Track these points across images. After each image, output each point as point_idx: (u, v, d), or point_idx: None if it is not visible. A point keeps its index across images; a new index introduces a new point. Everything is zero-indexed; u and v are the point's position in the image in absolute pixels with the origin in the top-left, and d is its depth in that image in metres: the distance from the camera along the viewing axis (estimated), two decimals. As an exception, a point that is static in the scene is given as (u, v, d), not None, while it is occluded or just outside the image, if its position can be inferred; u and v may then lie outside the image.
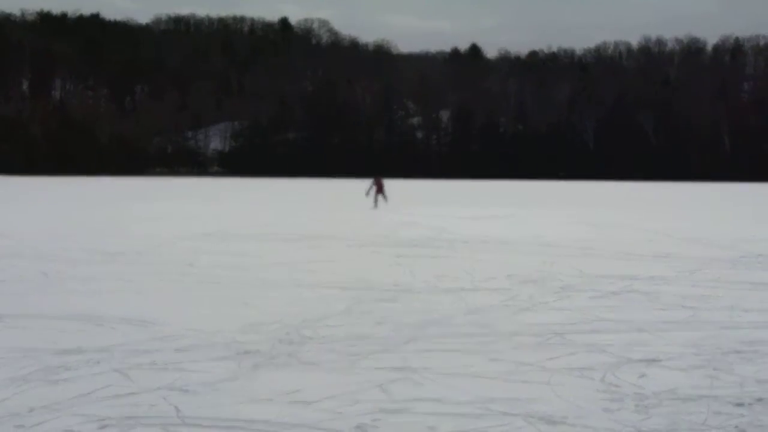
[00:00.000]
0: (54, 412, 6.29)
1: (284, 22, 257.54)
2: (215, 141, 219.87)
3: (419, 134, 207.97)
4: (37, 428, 5.93)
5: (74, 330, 9.66)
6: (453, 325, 10.23)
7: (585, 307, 11.62)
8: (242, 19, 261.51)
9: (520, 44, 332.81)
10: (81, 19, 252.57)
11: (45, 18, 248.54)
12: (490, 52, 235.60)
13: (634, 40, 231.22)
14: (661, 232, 26.78)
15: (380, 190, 43.61)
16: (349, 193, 73.60)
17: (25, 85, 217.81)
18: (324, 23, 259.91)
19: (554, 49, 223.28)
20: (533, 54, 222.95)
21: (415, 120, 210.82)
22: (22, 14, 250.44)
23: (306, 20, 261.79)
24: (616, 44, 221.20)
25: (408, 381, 7.41)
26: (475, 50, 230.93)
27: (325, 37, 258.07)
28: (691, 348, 9.04)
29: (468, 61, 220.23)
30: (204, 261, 17.12)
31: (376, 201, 42.12)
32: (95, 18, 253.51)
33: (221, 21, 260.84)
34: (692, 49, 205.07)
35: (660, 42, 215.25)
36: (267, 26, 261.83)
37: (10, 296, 12.20)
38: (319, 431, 5.99)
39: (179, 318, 10.43)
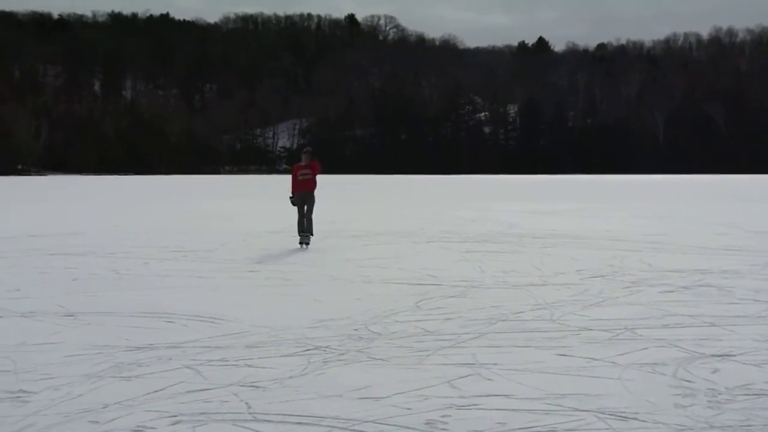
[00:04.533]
0: (127, 408, 6.37)
1: (351, 18, 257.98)
2: (283, 138, 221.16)
3: (486, 129, 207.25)
4: (110, 424, 6.01)
5: (146, 327, 9.78)
6: (522, 320, 10.19)
7: (656, 302, 11.50)
8: (309, 17, 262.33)
9: (585, 37, 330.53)
10: (151, 19, 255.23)
11: (116, 19, 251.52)
12: (557, 45, 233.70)
13: (704, 31, 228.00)
14: (732, 225, 26.43)
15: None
16: (416, 188, 73.60)
17: (97, 86, 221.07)
18: (391, 19, 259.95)
19: (623, 41, 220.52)
20: (601, 46, 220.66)
21: (482, 115, 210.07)
22: (94, 15, 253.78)
23: (372, 16, 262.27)
24: (686, 36, 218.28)
25: (477, 377, 7.39)
26: (542, 43, 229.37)
27: (391, 33, 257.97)
28: (765, 343, 8.91)
29: (535, 54, 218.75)
30: (274, 258, 17.23)
31: None
32: (165, 18, 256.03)
33: (288, 19, 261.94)
34: (764, 40, 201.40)
35: (731, 33, 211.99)
36: (334, 23, 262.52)
37: (83, 294, 12.37)
38: (388, 427, 5.99)
39: (249, 315, 10.51)
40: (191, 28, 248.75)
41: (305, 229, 19.71)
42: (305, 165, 20.21)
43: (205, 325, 9.89)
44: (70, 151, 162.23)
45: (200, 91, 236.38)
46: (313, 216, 20.00)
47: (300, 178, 20.08)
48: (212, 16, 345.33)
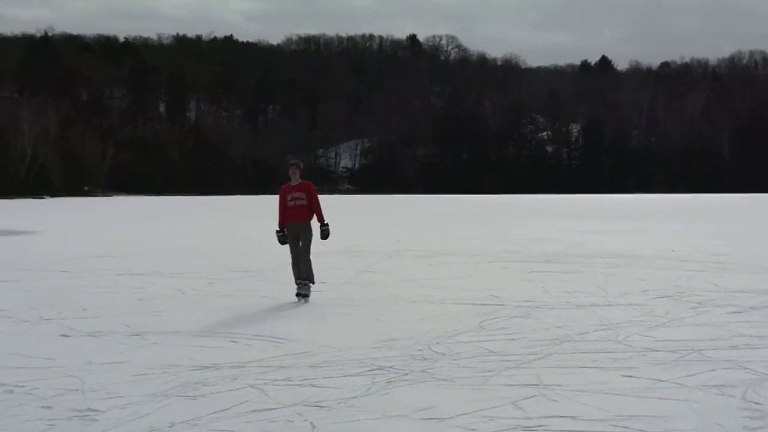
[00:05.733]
0: (193, 427, 6.42)
1: (412, 38, 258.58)
2: (345, 159, 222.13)
3: (549, 148, 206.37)
4: (177, 443, 6.07)
5: (211, 346, 9.85)
6: (587, 341, 10.11)
7: (723, 323, 11.35)
8: (371, 37, 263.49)
9: (648, 55, 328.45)
10: (215, 41, 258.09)
11: (181, 41, 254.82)
12: (621, 63, 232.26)
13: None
14: (801, 245, 26.02)
15: None
16: (478, 208, 73.43)
17: (162, 108, 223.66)
18: (452, 39, 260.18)
19: (687, 59, 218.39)
20: (665, 65, 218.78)
21: (545, 134, 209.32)
22: (159, 38, 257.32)
23: (434, 37, 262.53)
24: (752, 53, 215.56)
25: (542, 398, 7.34)
26: (605, 62, 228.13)
27: (453, 53, 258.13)
28: (836, 365, 8.75)
29: (598, 73, 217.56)
30: (336, 277, 17.28)
31: None
32: (229, 40, 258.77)
33: (350, 39, 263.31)
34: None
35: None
36: (395, 43, 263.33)
37: (149, 314, 12.51)
38: (453, 448, 5.97)
39: (313, 334, 10.55)
40: (254, 50, 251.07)
41: (302, 275, 14.24)
42: (296, 186, 14.64)
43: (269, 344, 9.94)
44: (135, 172, 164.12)
45: (263, 113, 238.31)
46: (312, 256, 14.59)
47: (290, 203, 14.52)
48: (275, 38, 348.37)
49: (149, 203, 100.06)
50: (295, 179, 14.74)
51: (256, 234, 34.29)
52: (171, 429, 6.37)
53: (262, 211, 68.83)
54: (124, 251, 25.15)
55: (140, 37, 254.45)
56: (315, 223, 14.61)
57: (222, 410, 6.88)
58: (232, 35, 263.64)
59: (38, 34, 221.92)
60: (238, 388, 7.67)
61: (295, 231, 14.48)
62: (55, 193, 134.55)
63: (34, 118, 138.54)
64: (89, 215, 60.22)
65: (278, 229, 14.73)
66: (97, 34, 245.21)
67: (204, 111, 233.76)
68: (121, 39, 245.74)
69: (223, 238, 32.58)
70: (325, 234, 14.57)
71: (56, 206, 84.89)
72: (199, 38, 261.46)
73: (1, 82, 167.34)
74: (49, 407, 7.05)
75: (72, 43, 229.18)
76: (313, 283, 14.37)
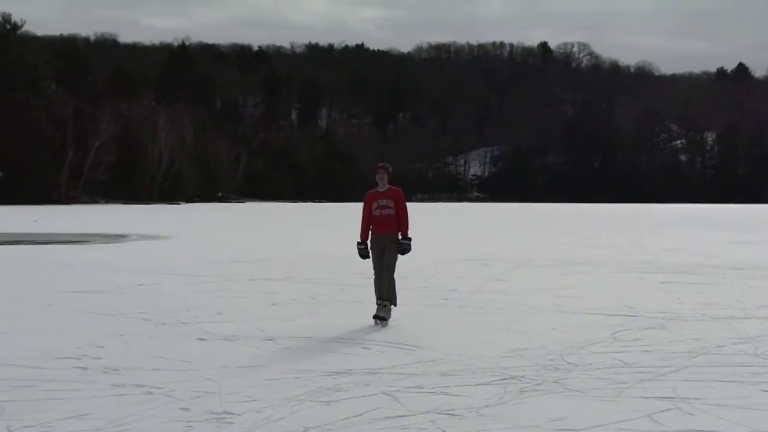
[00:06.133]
0: None
1: (544, 46, 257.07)
2: (474, 166, 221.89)
3: (683, 157, 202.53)
4: (311, 447, 6.14)
5: (343, 352, 9.94)
6: (724, 354, 9.88)
7: None
8: (501, 45, 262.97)
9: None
10: (346, 49, 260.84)
11: (313, 50, 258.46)
12: (758, 70, 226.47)
13: None
14: None
15: None
16: (610, 217, 72.43)
17: (293, 115, 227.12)
18: (584, 46, 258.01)
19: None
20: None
21: (679, 142, 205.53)
22: (292, 47, 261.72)
23: (565, 44, 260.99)
24: None
25: (678, 411, 7.20)
26: (742, 69, 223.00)
27: (584, 61, 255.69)
28: None
29: (734, 80, 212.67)
30: (466, 286, 17.25)
31: None
32: (360, 48, 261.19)
33: (481, 47, 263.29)
34: None
35: None
36: (526, 51, 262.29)
37: (282, 318, 12.69)
38: (587, 460, 5.91)
39: (443, 342, 10.55)
40: (385, 58, 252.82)
41: (383, 296, 12.41)
42: (383, 192, 12.75)
43: (401, 351, 9.98)
44: (267, 178, 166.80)
45: (393, 120, 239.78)
46: (396, 274, 12.79)
47: (375, 212, 12.72)
48: (406, 46, 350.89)
49: (281, 209, 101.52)
50: (383, 184, 12.77)
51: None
52: (305, 433, 6.45)
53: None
54: (257, 256, 25.57)
55: (273, 45, 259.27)
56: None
57: (355, 416, 6.94)
58: (363, 43, 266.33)
59: (175, 44, 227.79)
60: (370, 395, 7.72)
61: (379, 244, 12.61)
62: (189, 199, 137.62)
63: (171, 125, 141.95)
64: (223, 221, 61.37)
65: (359, 241, 12.91)
66: (232, 43, 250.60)
67: (335, 118, 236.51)
68: (255, 48, 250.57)
69: (353, 244, 32.81)
70: (404, 249, 12.58)
71: (191, 212, 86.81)
72: (330, 47, 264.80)
73: (139, 91, 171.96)
74: (187, 409, 7.21)
75: (208, 52, 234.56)
76: (395, 305, 12.48)
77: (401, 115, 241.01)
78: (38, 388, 8.02)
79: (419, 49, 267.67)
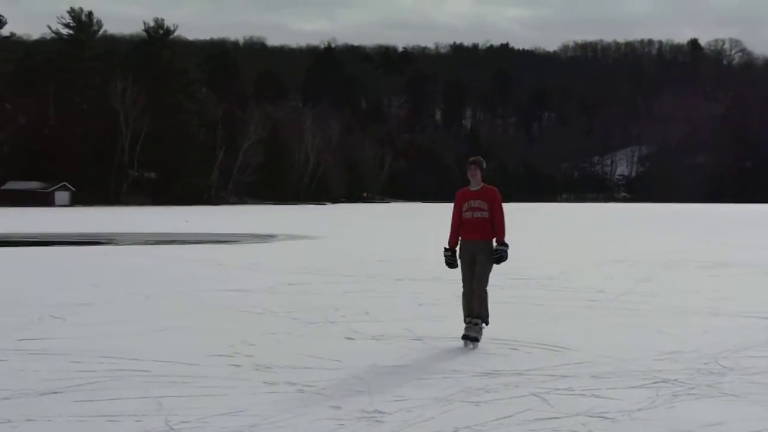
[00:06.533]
0: (477, 432, 6.49)
1: (694, 43, 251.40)
2: (621, 166, 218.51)
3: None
4: (461, 447, 6.14)
5: (492, 353, 9.91)
6: None
7: None
8: (650, 43, 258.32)
9: None
10: (491, 49, 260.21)
11: (457, 50, 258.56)
12: None
13: None
14: None
15: None
16: (764, 218, 70.48)
17: (438, 115, 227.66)
18: (736, 43, 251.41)
19: None
20: None
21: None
22: (436, 47, 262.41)
23: (716, 41, 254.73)
24: None
25: (841, 419, 6.95)
26: None
27: (736, 57, 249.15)
28: None
29: None
30: (615, 287, 16.99)
31: None
32: (504, 48, 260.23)
33: (628, 45, 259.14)
34: None
35: None
36: (675, 48, 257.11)
37: (429, 319, 12.76)
38: (745, 467, 5.76)
39: (592, 344, 10.41)
40: (530, 57, 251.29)
41: (473, 312, 10.68)
42: (476, 192, 10.89)
43: (550, 353, 9.90)
44: (411, 179, 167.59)
45: (538, 120, 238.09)
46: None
47: (466, 215, 10.84)
48: (551, 45, 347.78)
49: (426, 210, 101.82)
50: (476, 182, 10.91)
51: (530, 241, 34.26)
52: (456, 434, 6.46)
53: (535, 218, 68.74)
54: (403, 256, 25.71)
55: (418, 46, 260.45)
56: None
57: (505, 417, 6.91)
58: (507, 43, 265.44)
59: (322, 46, 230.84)
60: (520, 396, 7.68)
61: (470, 252, 10.79)
62: (335, 199, 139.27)
63: (317, 126, 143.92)
64: (368, 221, 61.90)
65: (446, 247, 11.05)
66: (377, 45, 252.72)
67: (479, 118, 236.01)
68: (400, 49, 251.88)
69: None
70: (500, 257, 10.71)
71: (337, 212, 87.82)
72: (475, 46, 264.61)
73: (286, 93, 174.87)
74: (338, 407, 7.29)
75: (353, 53, 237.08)
76: (487, 323, 10.69)
77: (546, 114, 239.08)
78: (194, 385, 8.23)
79: (565, 48, 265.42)
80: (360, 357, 9.59)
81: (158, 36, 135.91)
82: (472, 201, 10.79)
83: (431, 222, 59.60)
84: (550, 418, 6.88)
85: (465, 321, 10.65)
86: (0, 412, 7.11)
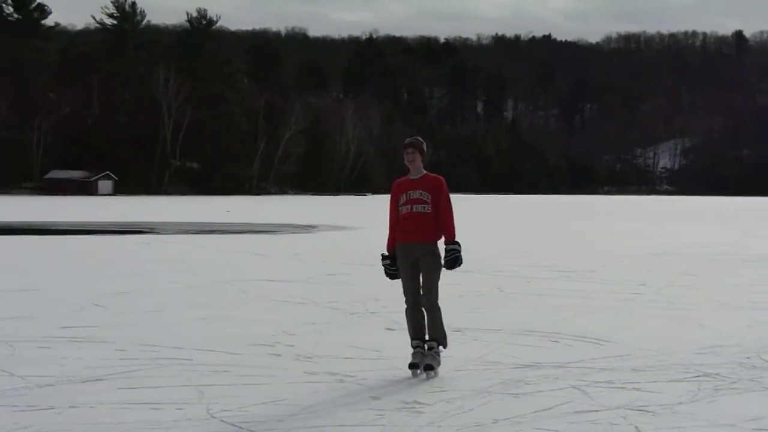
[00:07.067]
0: (516, 424, 6.47)
1: (738, 34, 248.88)
2: (664, 159, 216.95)
3: None
4: (501, 439, 6.15)
5: (531, 345, 9.88)
6: None
7: None
8: (693, 34, 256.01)
9: None
10: (533, 41, 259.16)
11: (499, 41, 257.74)
12: None
13: None
14: None
15: None
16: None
17: (479, 107, 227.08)
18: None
19: None
20: None
21: None
22: (478, 39, 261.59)
23: (761, 32, 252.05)
24: None
25: None
26: None
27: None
28: None
29: None
30: (656, 280, 16.89)
31: None
32: (547, 39, 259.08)
33: (672, 37, 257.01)
34: None
35: None
36: (719, 40, 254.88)
37: (468, 310, 12.70)
38: (787, 462, 5.72)
39: (633, 337, 10.35)
40: (573, 49, 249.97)
41: (420, 333, 8.48)
42: (417, 181, 8.68)
43: (590, 346, 9.86)
44: (452, 170, 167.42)
45: (580, 112, 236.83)
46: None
47: (403, 210, 8.71)
48: (594, 37, 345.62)
49: (466, 201, 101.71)
50: (415, 169, 8.68)
51: (572, 234, 34.16)
52: (495, 425, 6.45)
53: (577, 211, 68.44)
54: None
55: (460, 37, 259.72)
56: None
57: (545, 409, 6.89)
58: (550, 34, 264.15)
59: (363, 37, 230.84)
60: (560, 388, 7.66)
61: (410, 257, 8.56)
62: (376, 190, 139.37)
63: (358, 117, 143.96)
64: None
65: (384, 253, 8.90)
66: (419, 36, 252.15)
67: (521, 110, 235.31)
68: (441, 40, 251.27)
69: (539, 237, 32.63)
70: (453, 260, 8.51)
71: (377, 203, 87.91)
72: (517, 38, 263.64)
73: (327, 83, 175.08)
74: (378, 398, 7.32)
75: (394, 44, 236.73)
76: (445, 346, 8.48)
77: (588, 106, 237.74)
78: (235, 374, 8.28)
79: (608, 39, 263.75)
80: (400, 348, 9.57)
81: (201, 26, 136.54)
82: (411, 192, 8.60)
83: (470, 213, 59.53)
84: (590, 411, 6.86)
85: (413, 345, 8.45)
86: (44, 399, 7.20)
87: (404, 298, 8.67)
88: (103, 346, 9.67)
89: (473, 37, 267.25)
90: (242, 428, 6.44)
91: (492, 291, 15.12)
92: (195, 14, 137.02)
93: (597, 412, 6.84)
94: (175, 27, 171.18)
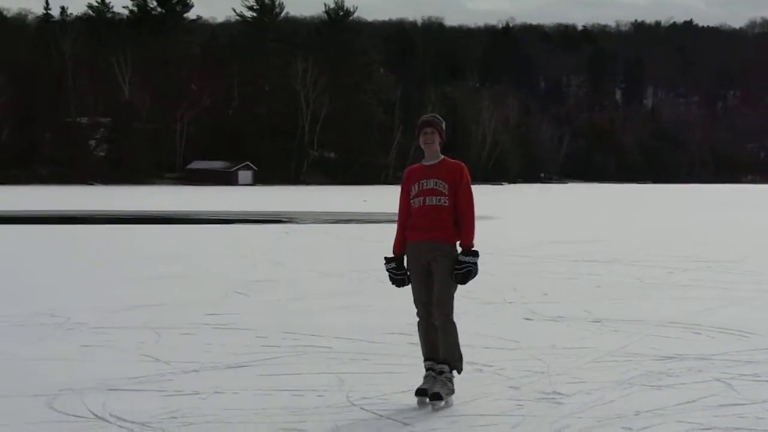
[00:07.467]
0: (659, 417, 6.38)
1: None
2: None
3: None
4: None
5: (673, 336, 9.71)
6: None
7: None
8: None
9: None
10: (674, 26, 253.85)
11: (639, 28, 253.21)
12: None
13: None
14: None
15: None
16: None
17: (618, 95, 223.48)
18: None
19: None
20: None
21: None
22: (617, 25, 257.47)
23: None
24: None
25: None
26: None
27: None
28: None
29: None
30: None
31: None
32: (688, 25, 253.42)
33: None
34: None
35: None
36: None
37: (608, 301, 12.55)
38: None
39: (781, 330, 10.09)
40: (715, 35, 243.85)
41: (438, 356, 7.07)
42: (432, 167, 7.21)
43: (734, 338, 9.63)
44: (589, 159, 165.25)
45: (723, 99, 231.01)
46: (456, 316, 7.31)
47: (415, 202, 7.16)
48: (737, 22, 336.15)
49: (604, 190, 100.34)
50: (431, 154, 7.33)
51: (713, 223, 33.46)
52: (636, 417, 6.38)
53: (720, 200, 66.84)
54: (580, 237, 25.45)
55: (598, 24, 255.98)
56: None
57: (688, 402, 6.78)
58: (691, 20, 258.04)
59: (499, 26, 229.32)
60: (703, 381, 7.51)
61: (421, 258, 7.14)
62: (512, 179, 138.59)
63: (494, 106, 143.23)
64: (546, 201, 61.42)
65: (390, 256, 7.43)
66: (556, 23, 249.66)
67: (661, 98, 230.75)
68: (580, 27, 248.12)
69: (679, 227, 32.01)
70: (465, 274, 7.01)
71: (514, 192, 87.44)
72: (657, 24, 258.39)
73: (463, 73, 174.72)
74: (517, 388, 7.30)
75: (531, 32, 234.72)
76: (459, 370, 7.06)
77: (731, 93, 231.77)
78: (373, 362, 8.37)
79: (752, 24, 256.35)
80: (538, 338, 9.55)
81: (338, 17, 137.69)
82: (424, 181, 7.13)
83: (610, 203, 58.80)
84: (734, 404, 6.71)
85: (425, 366, 7.16)
86: (189, 384, 7.39)
87: (415, 310, 7.34)
88: (245, 333, 9.87)
89: (612, 23, 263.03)
90: (381, 416, 6.50)
91: (632, 281, 14.90)
92: (333, 5, 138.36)
93: (742, 405, 6.70)
94: (312, 18, 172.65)
